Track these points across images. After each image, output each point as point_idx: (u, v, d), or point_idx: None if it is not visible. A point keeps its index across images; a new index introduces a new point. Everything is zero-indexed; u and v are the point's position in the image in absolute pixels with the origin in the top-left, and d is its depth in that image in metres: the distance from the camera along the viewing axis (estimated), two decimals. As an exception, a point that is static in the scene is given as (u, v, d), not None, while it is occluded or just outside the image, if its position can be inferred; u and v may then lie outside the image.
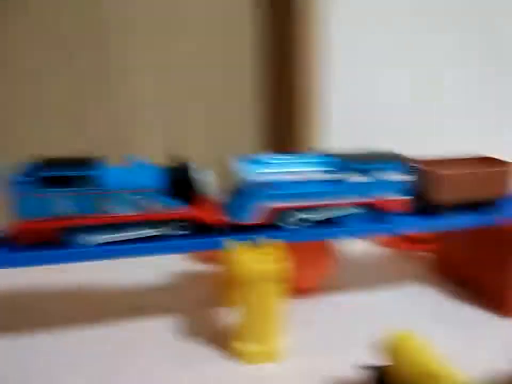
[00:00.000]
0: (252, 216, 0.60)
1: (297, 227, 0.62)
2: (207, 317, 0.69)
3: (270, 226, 0.61)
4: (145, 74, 0.92)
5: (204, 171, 0.60)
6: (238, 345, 0.58)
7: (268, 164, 0.61)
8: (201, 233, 0.59)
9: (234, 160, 0.63)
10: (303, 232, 0.62)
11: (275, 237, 0.59)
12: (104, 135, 0.92)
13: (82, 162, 0.55)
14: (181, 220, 0.58)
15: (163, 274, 0.81)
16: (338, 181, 0.62)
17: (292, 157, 0.64)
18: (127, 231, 0.57)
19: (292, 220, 0.62)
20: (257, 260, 0.56)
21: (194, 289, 0.77)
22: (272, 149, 0.92)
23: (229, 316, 0.66)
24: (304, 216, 0.62)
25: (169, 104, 0.95)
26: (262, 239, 0.59)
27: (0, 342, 0.61)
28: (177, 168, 0.60)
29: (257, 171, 0.60)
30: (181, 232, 0.58)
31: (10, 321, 0.66)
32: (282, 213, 0.61)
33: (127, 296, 0.74)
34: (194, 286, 0.78)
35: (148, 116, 0.95)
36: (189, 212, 0.58)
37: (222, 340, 0.62)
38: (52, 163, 0.54)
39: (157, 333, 0.64)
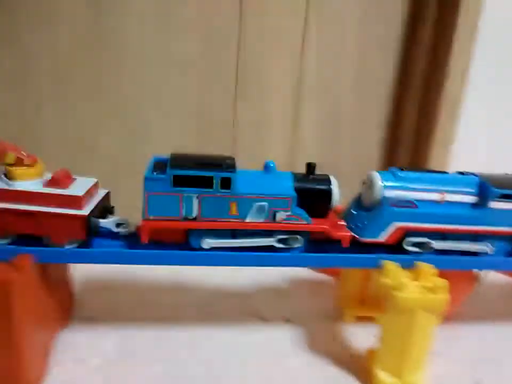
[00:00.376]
0: (384, 235, 0.56)
1: (423, 251, 0.57)
2: (329, 330, 0.67)
3: (393, 247, 0.57)
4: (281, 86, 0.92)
5: (334, 182, 0.57)
6: (376, 371, 0.55)
7: (407, 180, 0.58)
8: (318, 247, 0.57)
9: (373, 174, 0.59)
10: (430, 257, 0.57)
11: (401, 260, 0.56)
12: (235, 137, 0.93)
13: (214, 163, 0.53)
14: (303, 232, 0.55)
15: (283, 281, 0.80)
16: (481, 206, 0.57)
17: (432, 175, 0.59)
18: (251, 238, 0.55)
19: (424, 244, 0.57)
20: (418, 286, 0.52)
21: (314, 299, 0.75)
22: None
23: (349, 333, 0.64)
24: (436, 242, 0.57)
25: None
26: (414, 262, 0.55)
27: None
28: (313, 178, 0.57)
29: (396, 187, 0.57)
30: (298, 245, 0.56)
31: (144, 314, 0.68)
32: (412, 234, 0.57)
33: (247, 302, 0.73)
34: (314, 297, 0.76)
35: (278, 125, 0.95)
36: (318, 225, 0.55)
37: (346, 359, 0.60)
38: (184, 162, 0.52)
39: (278, 342, 0.63)
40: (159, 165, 0.54)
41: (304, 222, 0.54)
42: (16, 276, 0.44)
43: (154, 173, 0.52)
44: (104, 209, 0.58)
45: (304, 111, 0.95)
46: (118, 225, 0.56)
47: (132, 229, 0.56)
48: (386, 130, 1.00)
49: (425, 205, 0.57)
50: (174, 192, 0.51)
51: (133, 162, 0.84)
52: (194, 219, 0.52)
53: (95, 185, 0.56)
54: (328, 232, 0.55)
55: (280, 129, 0.95)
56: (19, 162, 0.52)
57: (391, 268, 0.54)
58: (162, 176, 0.51)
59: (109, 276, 0.78)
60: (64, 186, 0.52)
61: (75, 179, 0.55)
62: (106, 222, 0.55)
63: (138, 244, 0.53)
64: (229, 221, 0.53)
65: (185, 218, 0.52)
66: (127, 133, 0.89)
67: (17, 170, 0.51)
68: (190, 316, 0.68)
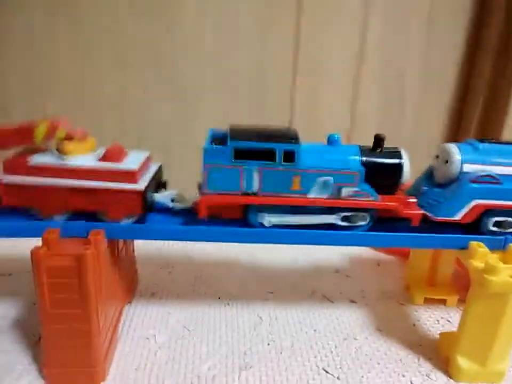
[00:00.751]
0: (461, 214, 0.52)
1: (503, 231, 0.52)
2: (397, 312, 0.64)
3: (467, 226, 0.53)
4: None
5: (406, 156, 0.52)
6: (456, 358, 0.52)
7: (488, 153, 0.52)
8: (384, 225, 0.53)
9: (449, 147, 0.54)
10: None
11: (490, 241, 0.51)
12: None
13: (277, 135, 0.49)
14: (369, 209, 0.51)
15: (345, 261, 0.78)
16: None
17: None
18: (313, 215, 0.51)
19: (504, 223, 0.52)
20: (510, 269, 0.48)
21: (378, 280, 0.72)
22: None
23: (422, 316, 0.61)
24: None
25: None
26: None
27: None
28: (382, 152, 0.52)
29: (476, 161, 0.52)
30: (362, 223, 0.52)
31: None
32: (490, 212, 0.52)
33: (309, 281, 0.71)
34: (378, 277, 0.74)
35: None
36: (387, 202, 0.51)
37: (416, 342, 0.57)
38: (245, 133, 0.49)
39: (344, 324, 0.60)
40: (217, 138, 0.51)
41: (372, 199, 0.50)
42: (91, 251, 0.44)
43: (214, 145, 0.49)
44: (158, 183, 0.56)
45: (365, 84, 0.90)
46: (172, 200, 0.54)
47: (187, 204, 0.54)
48: (454, 103, 0.94)
49: (510, 180, 0.52)
50: (235, 165, 0.48)
51: (184, 134, 0.84)
52: (255, 194, 0.49)
53: (148, 159, 0.55)
54: (397, 210, 0.51)
55: (339, 103, 0.91)
56: (70, 136, 0.51)
57: (481, 250, 0.49)
58: (223, 147, 0.48)
59: (167, 252, 0.78)
60: (118, 160, 0.50)
61: (128, 152, 0.53)
62: (162, 197, 0.54)
63: (195, 219, 0.51)
64: (291, 197, 0.50)
65: (245, 193, 0.49)
66: (180, 106, 0.88)
67: (69, 144, 0.50)
68: (252, 293, 0.67)
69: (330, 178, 0.49)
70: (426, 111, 0.94)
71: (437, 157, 0.56)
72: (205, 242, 0.53)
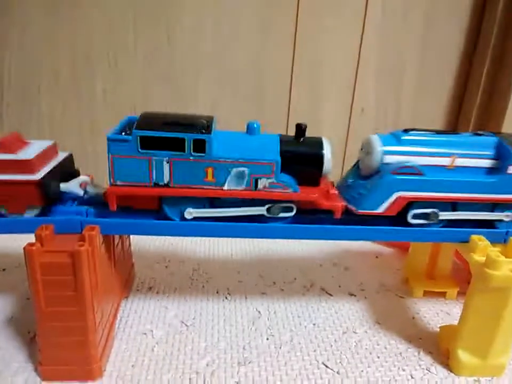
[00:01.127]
0: (384, 207, 0.49)
1: (427, 223, 0.51)
2: (396, 305, 0.63)
3: (392, 219, 0.51)
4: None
5: (327, 146, 0.50)
6: (456, 351, 0.51)
7: (411, 144, 0.51)
8: (309, 217, 0.50)
9: (371, 138, 0.52)
10: (436, 231, 0.51)
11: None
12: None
13: (187, 124, 0.46)
14: (289, 201, 0.49)
15: (342, 253, 0.77)
16: (497, 170, 0.50)
17: (443, 137, 0.52)
18: (237, 207, 0.49)
19: (430, 215, 0.51)
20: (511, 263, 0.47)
21: (377, 272, 0.72)
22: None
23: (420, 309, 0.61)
24: (444, 213, 0.51)
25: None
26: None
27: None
28: (303, 141, 0.50)
29: (398, 152, 0.50)
30: (285, 215, 0.50)
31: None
32: (416, 204, 0.50)
33: (307, 274, 0.71)
34: (376, 270, 0.73)
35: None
36: (306, 194, 0.49)
37: (415, 335, 0.57)
38: (152, 122, 0.46)
39: (343, 317, 0.60)
40: (130, 126, 0.48)
41: (290, 191, 0.48)
42: (85, 247, 0.42)
43: (122, 134, 0.46)
44: (67, 173, 0.52)
45: (363, 83, 0.89)
46: (83, 188, 0.51)
47: (100, 190, 0.51)
48: (452, 101, 0.93)
49: (432, 171, 0.50)
50: (142, 156, 0.45)
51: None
52: (167, 185, 0.47)
53: (52, 148, 0.52)
54: (317, 202, 0.49)
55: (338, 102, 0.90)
56: None
57: (481, 243, 0.49)
58: (127, 137, 0.45)
59: (162, 246, 0.77)
60: (13, 151, 0.47)
61: (29, 143, 0.51)
62: (68, 186, 0.50)
63: (106, 210, 0.48)
64: (205, 188, 0.47)
65: (156, 185, 0.47)
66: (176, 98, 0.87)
67: None
68: (250, 287, 0.66)
69: (244, 169, 0.47)
70: (424, 107, 0.93)
71: (362, 149, 0.54)
72: (196, 240, 0.51)
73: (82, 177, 0.51)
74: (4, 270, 0.67)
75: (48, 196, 0.47)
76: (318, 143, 0.49)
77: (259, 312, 0.61)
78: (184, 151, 0.46)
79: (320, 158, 0.49)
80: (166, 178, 0.47)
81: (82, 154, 0.69)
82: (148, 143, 0.45)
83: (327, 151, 0.49)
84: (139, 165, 0.46)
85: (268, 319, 0.59)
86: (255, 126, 0.49)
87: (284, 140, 0.49)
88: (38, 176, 0.46)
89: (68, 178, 0.51)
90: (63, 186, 0.50)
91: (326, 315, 0.61)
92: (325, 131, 0.91)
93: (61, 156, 0.53)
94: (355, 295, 0.65)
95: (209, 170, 0.47)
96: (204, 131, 0.46)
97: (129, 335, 0.55)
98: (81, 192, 0.50)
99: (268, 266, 0.72)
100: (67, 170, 0.53)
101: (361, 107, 0.91)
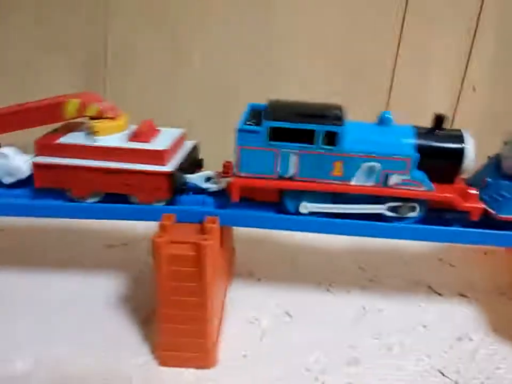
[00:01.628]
0: None
1: None
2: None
3: None
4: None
5: (469, 140, 0.46)
6: None
7: None
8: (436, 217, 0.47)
9: None
10: None
11: None
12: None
13: (318, 114, 0.44)
14: (421, 200, 0.46)
15: (447, 246, 0.71)
16: None
17: None
18: (357, 204, 0.47)
19: None
20: None
21: (487, 271, 0.67)
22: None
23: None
24: None
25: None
26: None
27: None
28: (441, 134, 0.46)
29: None
30: (412, 215, 0.46)
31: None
32: None
33: (410, 268, 0.67)
34: (486, 267, 0.68)
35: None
36: (441, 193, 0.45)
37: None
38: (282, 112, 0.44)
39: (454, 320, 0.56)
40: (256, 114, 0.46)
41: (424, 189, 0.44)
42: (210, 241, 0.42)
43: (249, 124, 0.45)
44: (193, 163, 0.53)
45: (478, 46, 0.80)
46: (208, 180, 0.51)
47: (221, 185, 0.50)
48: None
49: None
50: (270, 147, 0.44)
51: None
52: (291, 178, 0.45)
53: (182, 137, 0.52)
54: (455, 203, 0.45)
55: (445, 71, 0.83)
56: (101, 114, 0.49)
57: None
58: (257, 128, 0.44)
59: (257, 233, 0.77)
60: (148, 139, 0.48)
61: (160, 131, 0.51)
62: (195, 178, 0.50)
63: (228, 202, 0.48)
64: (331, 183, 0.45)
65: (281, 177, 0.45)
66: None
67: (99, 124, 0.48)
68: (351, 280, 0.64)
69: (376, 165, 0.44)
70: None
71: (505, 143, 0.49)
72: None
73: (208, 172, 0.51)
74: (125, 244, 0.70)
75: (176, 188, 0.47)
76: (459, 137, 0.46)
77: (364, 308, 0.59)
78: (313, 143, 0.44)
79: (461, 153, 0.45)
80: (291, 171, 0.45)
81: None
82: (277, 135, 0.44)
83: (469, 146, 0.45)
84: (266, 156, 0.44)
85: (374, 317, 0.57)
86: (387, 116, 0.46)
87: (420, 133, 0.46)
88: (169, 168, 0.47)
89: (193, 168, 0.52)
90: (191, 177, 0.50)
91: (436, 317, 0.57)
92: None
93: (188, 145, 0.53)
94: (466, 296, 0.61)
95: (338, 164, 0.45)
96: (335, 122, 0.43)
97: (236, 323, 0.55)
98: (205, 186, 0.50)
99: (368, 258, 0.69)
100: (193, 160, 0.54)
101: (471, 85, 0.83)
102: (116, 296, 0.58)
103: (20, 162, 0.50)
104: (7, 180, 0.51)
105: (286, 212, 0.48)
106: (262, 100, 0.49)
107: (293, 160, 0.44)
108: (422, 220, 0.47)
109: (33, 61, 0.83)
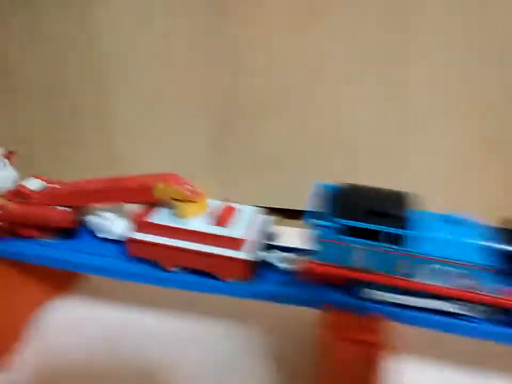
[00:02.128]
0: None
1: None
2: None
3: None
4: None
5: None
6: None
7: None
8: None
9: None
10: None
11: None
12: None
13: (383, 212, 0.48)
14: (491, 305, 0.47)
15: None
16: None
17: None
18: (423, 298, 0.50)
19: None
20: None
21: None
22: None
23: None
24: None
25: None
26: None
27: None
28: None
29: None
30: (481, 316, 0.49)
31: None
32: None
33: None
34: None
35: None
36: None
37: None
38: (353, 208, 0.49)
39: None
40: (332, 198, 0.51)
41: (502, 297, 0.46)
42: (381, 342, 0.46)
43: (323, 217, 0.50)
44: (268, 236, 0.59)
45: None
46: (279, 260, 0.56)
47: (295, 266, 0.55)
48: None
49: None
50: (341, 241, 0.49)
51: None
52: (364, 269, 0.50)
53: (256, 213, 0.58)
54: None
55: None
56: (186, 198, 0.55)
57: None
58: (330, 224, 0.49)
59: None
60: (224, 224, 0.55)
61: (236, 210, 0.57)
62: (269, 257, 0.56)
63: (298, 283, 0.53)
64: (395, 278, 0.49)
65: (350, 267, 0.50)
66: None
67: (188, 208, 0.55)
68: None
69: (443, 268, 0.47)
70: None
71: None
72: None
73: (283, 254, 0.57)
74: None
75: (255, 268, 0.55)
76: None
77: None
78: (378, 241, 0.48)
79: None
80: (360, 263, 0.50)
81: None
82: (347, 231, 0.49)
83: None
84: (337, 248, 0.50)
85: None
86: (460, 218, 0.50)
87: (506, 234, 0.48)
88: (246, 254, 0.53)
89: (269, 241, 0.58)
90: (267, 257, 0.57)
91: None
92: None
93: (262, 219, 0.59)
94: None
95: (402, 263, 0.48)
96: (401, 225, 0.47)
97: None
98: (279, 265, 0.56)
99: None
100: (267, 236, 0.59)
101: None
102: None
103: (119, 229, 0.60)
104: (100, 235, 0.61)
105: (354, 296, 0.52)
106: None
107: (361, 254, 0.49)
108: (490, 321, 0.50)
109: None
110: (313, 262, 0.52)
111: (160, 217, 0.57)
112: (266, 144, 0.90)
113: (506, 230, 0.48)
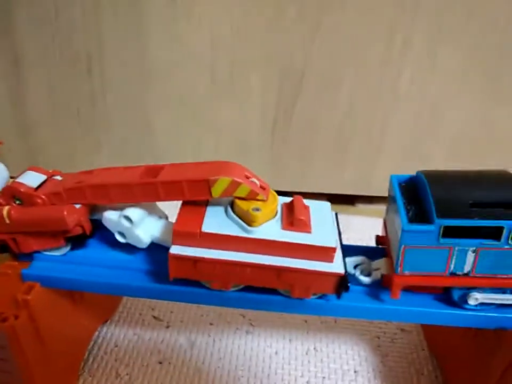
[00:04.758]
0: None
1: None
2: None
3: None
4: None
5: None
6: None
7: None
8: None
9: None
10: None
11: None
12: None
13: (503, 206, 0.39)
14: None
15: None
16: None
17: None
18: None
19: None
20: None
21: None
22: None
23: None
24: None
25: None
26: None
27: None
28: None
29: None
30: None
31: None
32: None
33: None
34: None
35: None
36: None
37: None
38: (455, 203, 0.40)
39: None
40: (408, 192, 0.43)
41: None
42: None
43: (408, 209, 0.42)
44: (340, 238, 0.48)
45: None
46: (356, 266, 0.47)
47: (376, 277, 0.46)
48: None
49: None
50: (442, 246, 0.40)
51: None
52: (466, 275, 0.42)
53: (329, 211, 0.47)
54: None
55: None
56: (252, 196, 0.42)
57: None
58: (428, 228, 0.40)
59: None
60: (307, 229, 0.42)
61: (309, 208, 0.45)
62: (356, 275, 0.46)
63: (384, 295, 0.45)
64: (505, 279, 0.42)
65: (453, 274, 0.42)
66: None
67: (259, 215, 0.41)
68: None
69: None
70: None
71: None
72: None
73: (358, 258, 0.47)
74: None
75: (345, 287, 0.43)
76: None
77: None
78: (498, 239, 0.40)
79: None
80: (468, 268, 0.42)
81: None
82: (451, 232, 0.40)
83: None
84: (436, 254, 0.41)
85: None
86: None
87: None
88: (338, 268, 0.42)
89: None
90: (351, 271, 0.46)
91: None
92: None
93: (333, 217, 0.47)
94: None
95: None
96: None
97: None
98: (360, 279, 0.46)
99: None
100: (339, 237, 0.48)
101: None
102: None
103: (141, 235, 0.46)
104: (119, 239, 0.47)
105: (453, 303, 0.45)
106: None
107: (471, 257, 0.41)
108: None
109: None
110: (402, 275, 0.43)
111: (214, 225, 0.42)
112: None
113: None
